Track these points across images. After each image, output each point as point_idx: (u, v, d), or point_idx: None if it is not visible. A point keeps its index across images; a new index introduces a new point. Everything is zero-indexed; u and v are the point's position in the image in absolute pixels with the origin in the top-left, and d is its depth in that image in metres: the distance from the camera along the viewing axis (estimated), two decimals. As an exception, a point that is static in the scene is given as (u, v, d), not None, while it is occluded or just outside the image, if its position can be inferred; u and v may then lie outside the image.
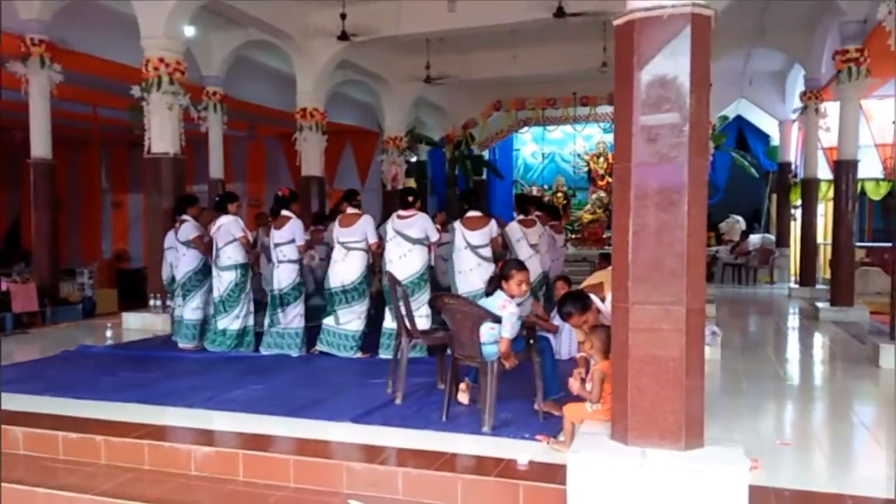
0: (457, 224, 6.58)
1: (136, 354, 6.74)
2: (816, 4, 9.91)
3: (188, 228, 7.08)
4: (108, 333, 7.50)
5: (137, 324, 8.28)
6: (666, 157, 3.17)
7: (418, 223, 6.27)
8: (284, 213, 6.73)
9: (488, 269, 6.23)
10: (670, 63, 3.17)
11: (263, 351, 6.66)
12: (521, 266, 4.34)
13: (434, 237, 6.35)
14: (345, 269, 6.44)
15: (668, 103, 3.16)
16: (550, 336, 5.93)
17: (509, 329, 4.12)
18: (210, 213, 7.22)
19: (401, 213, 6.35)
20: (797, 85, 13.27)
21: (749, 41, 11.34)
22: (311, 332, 6.82)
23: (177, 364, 6.37)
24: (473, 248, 6.40)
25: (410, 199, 6.36)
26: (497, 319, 4.16)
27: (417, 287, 6.12)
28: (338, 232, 6.53)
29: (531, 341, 4.40)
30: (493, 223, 6.53)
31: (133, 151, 16.32)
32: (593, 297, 4.02)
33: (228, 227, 6.71)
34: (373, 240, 6.49)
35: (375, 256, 6.64)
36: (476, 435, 4.02)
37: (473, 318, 4.18)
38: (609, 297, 3.81)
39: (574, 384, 3.61)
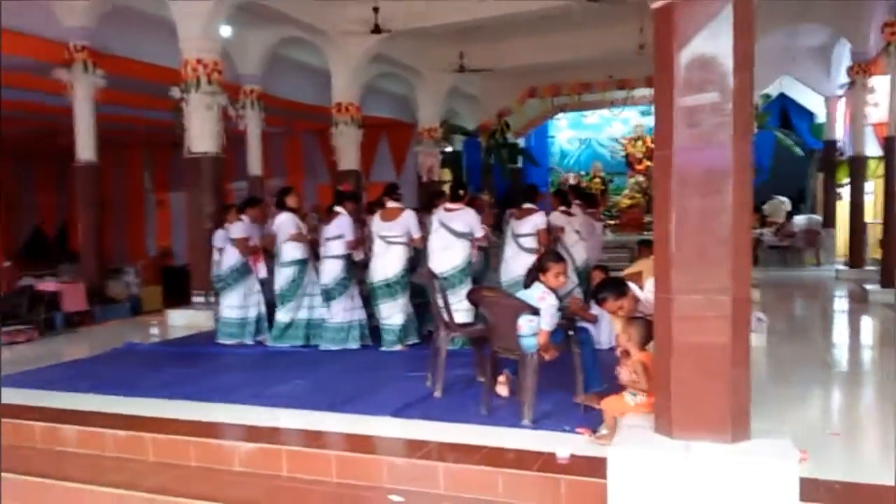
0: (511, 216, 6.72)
1: (181, 351, 6.86)
2: (862, -24, 9.52)
3: (239, 227, 7.18)
4: (154, 331, 7.66)
5: (182, 320, 8.42)
6: (709, 142, 3.06)
7: (464, 217, 6.30)
8: (336, 209, 6.76)
9: (528, 260, 6.17)
10: (711, 45, 3.07)
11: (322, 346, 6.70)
12: (558, 258, 4.32)
13: (479, 233, 6.34)
14: (388, 262, 6.43)
15: (710, 86, 3.05)
16: (590, 326, 5.85)
17: (548, 321, 4.07)
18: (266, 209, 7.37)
19: (448, 205, 6.38)
20: (843, 59, 12.80)
21: (793, 17, 10.95)
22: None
23: (220, 360, 6.45)
24: (515, 237, 6.50)
25: (461, 192, 6.43)
26: (535, 311, 4.10)
27: (458, 280, 6.13)
28: (378, 226, 6.51)
29: (570, 332, 4.32)
30: (539, 214, 6.57)
31: (176, 151, 16.59)
32: (631, 284, 3.94)
33: (285, 225, 6.78)
34: (417, 234, 6.48)
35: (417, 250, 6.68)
36: (516, 428, 3.98)
37: (512, 310, 4.13)
38: (648, 284, 3.73)
39: (623, 372, 3.53)
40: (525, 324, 4.09)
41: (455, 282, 6.09)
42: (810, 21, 11.48)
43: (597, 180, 18.95)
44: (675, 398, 3.04)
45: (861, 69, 11.07)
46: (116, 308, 9.32)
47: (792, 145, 15.65)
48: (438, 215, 6.34)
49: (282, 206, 6.92)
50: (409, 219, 6.48)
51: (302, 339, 6.90)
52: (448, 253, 6.22)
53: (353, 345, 6.64)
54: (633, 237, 15.18)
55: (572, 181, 18.82)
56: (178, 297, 12.45)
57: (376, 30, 10.14)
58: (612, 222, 16.77)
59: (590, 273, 6.94)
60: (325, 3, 10.36)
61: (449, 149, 17.18)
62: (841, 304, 9.22)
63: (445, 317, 5.03)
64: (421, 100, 14.44)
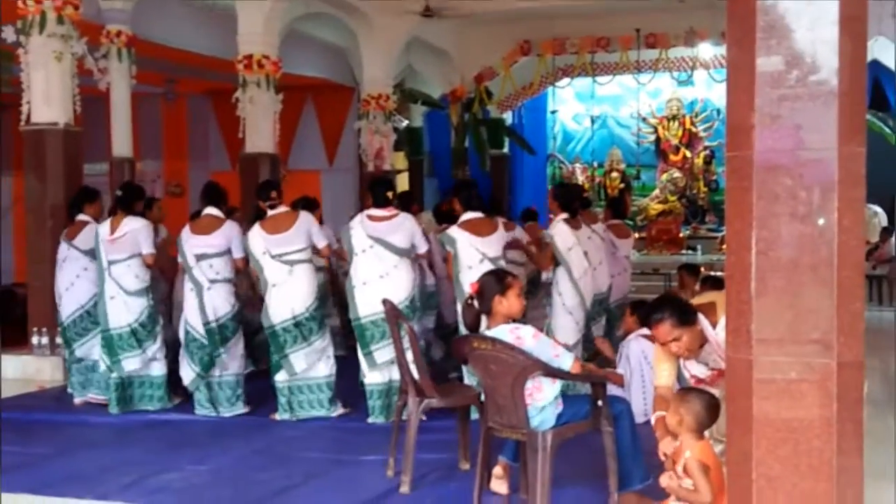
0: (455, 232, 6.64)
1: (18, 418, 6.69)
2: None
3: (90, 234, 7.15)
4: (-25, 387, 7.53)
5: (16, 371, 8.27)
6: (804, 142, 3.18)
7: (403, 226, 6.50)
8: (211, 211, 6.92)
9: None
10: (810, 9, 3.19)
11: (198, 411, 6.78)
12: (513, 274, 4.73)
13: (422, 248, 6.63)
14: (292, 292, 6.56)
15: (809, 58, 3.16)
16: (620, 392, 5.97)
17: (567, 360, 4.27)
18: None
19: (374, 212, 6.52)
20: (960, 17, 13.32)
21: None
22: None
23: (79, 432, 6.40)
24: (494, 262, 6.48)
25: (389, 193, 6.65)
26: (551, 372, 4.18)
27: (408, 318, 6.18)
28: (267, 243, 6.57)
29: (599, 402, 4.40)
30: (501, 225, 6.85)
31: (1, 118, 16.38)
32: (701, 317, 4.05)
33: (136, 236, 6.88)
34: (322, 243, 6.79)
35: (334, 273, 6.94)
36: (523, 544, 4.04)
37: (517, 371, 4.19)
38: (724, 322, 3.84)
39: (669, 477, 3.57)
40: (548, 387, 4.19)
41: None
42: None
43: (615, 175, 19.27)
44: (757, 501, 3.14)
45: None
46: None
47: (889, 134, 16.17)
48: (364, 228, 6.48)
49: (129, 210, 7.07)
50: (306, 223, 6.72)
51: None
52: (390, 281, 6.37)
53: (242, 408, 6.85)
54: (668, 258, 15.50)
55: (581, 176, 19.12)
56: (4, 333, 12.22)
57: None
58: (636, 235, 17.07)
59: (616, 313, 7.10)
60: None
61: (405, 124, 17.25)
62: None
63: (415, 375, 5.07)
64: (366, 54, 14.47)
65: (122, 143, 12.03)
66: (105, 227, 6.96)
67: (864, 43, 3.31)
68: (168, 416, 6.80)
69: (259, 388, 7.14)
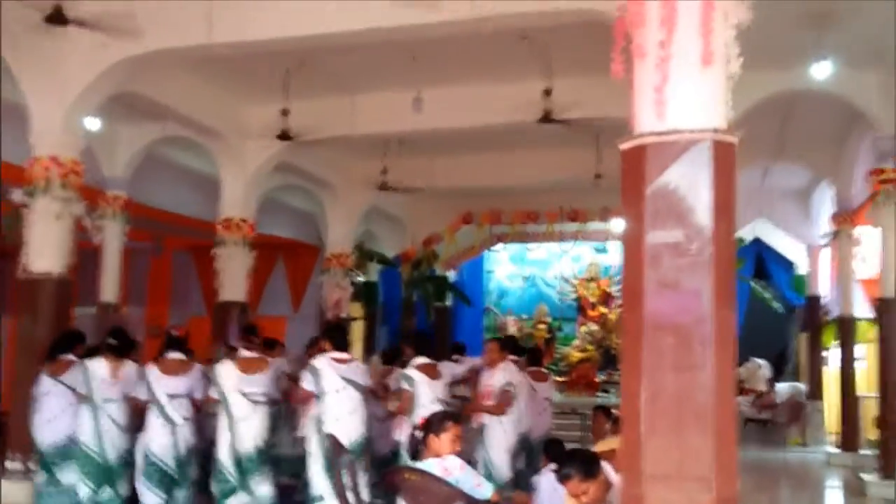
0: (413, 372, 6.80)
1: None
2: (844, 117, 10.59)
3: (79, 372, 6.89)
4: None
5: (-9, 496, 7.84)
6: (685, 308, 3.27)
7: (362, 368, 6.69)
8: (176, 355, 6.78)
9: None
10: (687, 192, 3.34)
11: None
12: (457, 417, 4.60)
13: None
14: (257, 426, 6.46)
15: (687, 246, 3.28)
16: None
17: (488, 490, 4.20)
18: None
19: (338, 355, 6.50)
20: (825, 205, 13.93)
21: (769, 155, 11.97)
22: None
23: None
24: (442, 403, 6.68)
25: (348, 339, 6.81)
26: (471, 501, 4.09)
27: (365, 450, 6.32)
28: (238, 379, 6.47)
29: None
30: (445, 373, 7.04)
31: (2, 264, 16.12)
32: (605, 465, 3.99)
33: (130, 380, 6.73)
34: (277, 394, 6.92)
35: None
36: None
37: (441, 499, 4.09)
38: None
39: None
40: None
41: (362, 452, 6.29)
42: (788, 161, 12.57)
43: (542, 326, 19.40)
44: None
45: (846, 218, 12.05)
46: None
47: (770, 299, 16.58)
48: (334, 369, 6.42)
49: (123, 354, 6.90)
50: (276, 372, 6.84)
51: None
52: (357, 416, 6.40)
53: None
54: (585, 399, 15.43)
55: (512, 327, 19.23)
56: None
57: (284, 136, 10.43)
58: (559, 379, 17.04)
59: (537, 452, 7.01)
60: (223, 101, 10.66)
61: (362, 279, 17.33)
62: (835, 497, 9.48)
63: (354, 502, 4.91)
64: (331, 219, 14.64)
65: (109, 290, 11.89)
66: (103, 368, 6.73)
67: (732, 226, 3.45)
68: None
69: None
